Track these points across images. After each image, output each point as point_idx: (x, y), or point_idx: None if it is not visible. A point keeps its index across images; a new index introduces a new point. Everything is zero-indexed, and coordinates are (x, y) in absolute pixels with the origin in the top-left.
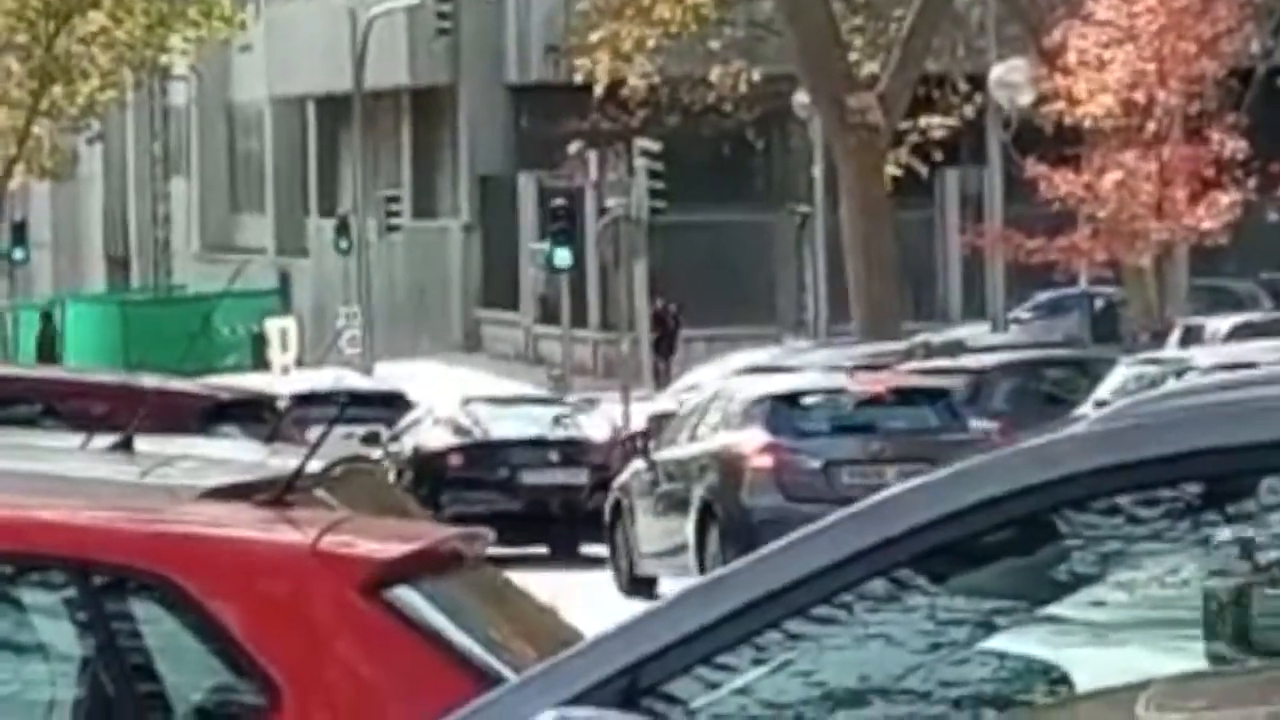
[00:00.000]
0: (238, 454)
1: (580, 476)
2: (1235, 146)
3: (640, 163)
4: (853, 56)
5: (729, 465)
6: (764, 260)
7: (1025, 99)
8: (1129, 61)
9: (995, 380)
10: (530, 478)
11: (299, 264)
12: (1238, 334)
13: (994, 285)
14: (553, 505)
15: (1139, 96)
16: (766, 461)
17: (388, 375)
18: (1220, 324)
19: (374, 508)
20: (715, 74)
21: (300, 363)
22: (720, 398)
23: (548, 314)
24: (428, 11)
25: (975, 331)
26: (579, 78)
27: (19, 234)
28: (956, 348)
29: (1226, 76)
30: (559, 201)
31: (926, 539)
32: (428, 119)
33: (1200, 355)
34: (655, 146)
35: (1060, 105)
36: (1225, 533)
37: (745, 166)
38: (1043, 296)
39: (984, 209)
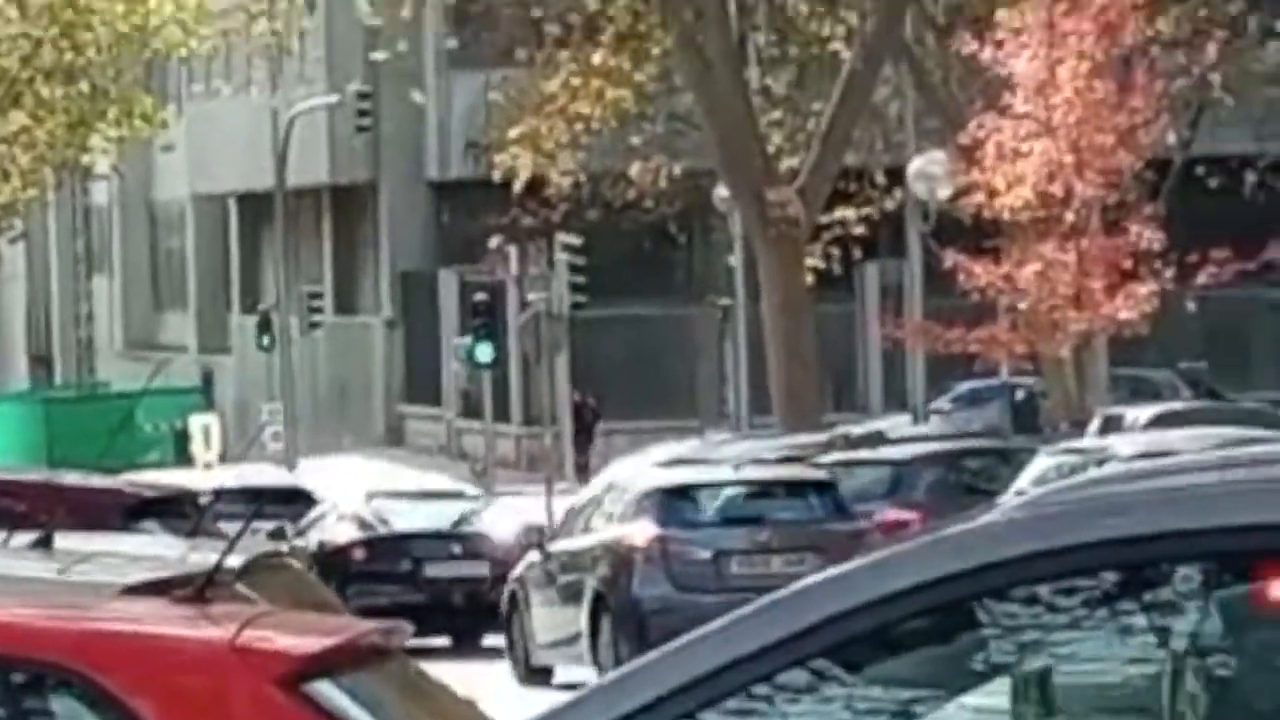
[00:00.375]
0: (158, 550)
1: (482, 569)
2: (1152, 237)
3: (561, 257)
4: (772, 150)
5: (620, 556)
6: (685, 353)
7: (944, 192)
8: (1046, 153)
9: (916, 471)
10: (433, 570)
11: (221, 360)
12: (1157, 423)
13: (914, 377)
14: (455, 597)
15: (1056, 188)
16: (655, 552)
17: (311, 471)
18: (1140, 413)
19: (293, 601)
20: (635, 170)
21: (223, 459)
22: (613, 490)
23: (470, 408)
24: (348, 109)
25: (896, 423)
26: (498, 174)
27: None
28: (877, 439)
29: (1144, 168)
30: (480, 297)
31: (844, 628)
32: (349, 215)
33: (1120, 444)
34: (576, 241)
35: (979, 198)
36: (1141, 620)
37: (666, 260)
38: (963, 387)
39: (904, 301)
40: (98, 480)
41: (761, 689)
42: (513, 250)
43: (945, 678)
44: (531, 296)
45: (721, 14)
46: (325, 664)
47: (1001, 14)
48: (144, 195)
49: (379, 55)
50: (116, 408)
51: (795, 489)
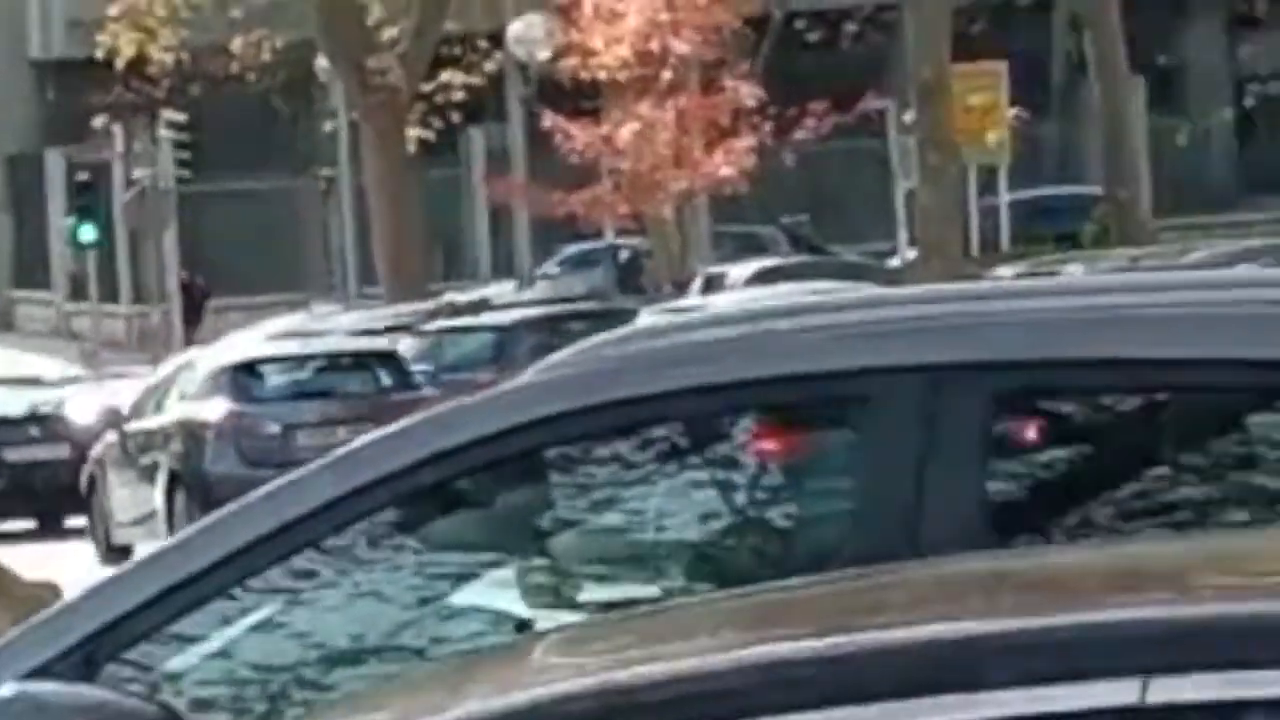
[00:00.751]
0: None
1: (62, 451)
2: (750, 93)
3: (165, 134)
4: (374, 21)
5: (192, 434)
6: (291, 226)
7: (543, 54)
8: (643, 12)
9: (519, 336)
10: (12, 455)
11: None
12: (758, 279)
13: (520, 242)
14: (35, 481)
15: (654, 47)
16: (226, 428)
17: None
18: (741, 270)
19: None
20: (237, 44)
21: None
22: (187, 368)
23: (79, 290)
24: None
25: (502, 289)
26: (99, 53)
27: None
28: (482, 306)
29: (743, 25)
30: (82, 177)
31: (396, 487)
32: None
33: (720, 301)
34: (181, 118)
35: (576, 59)
36: (693, 473)
37: (272, 133)
38: (570, 250)
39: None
40: None
41: (318, 551)
42: (118, 129)
43: (500, 537)
44: (137, 174)
45: None
46: None
47: None
48: None
49: None
50: None
51: (360, 361)
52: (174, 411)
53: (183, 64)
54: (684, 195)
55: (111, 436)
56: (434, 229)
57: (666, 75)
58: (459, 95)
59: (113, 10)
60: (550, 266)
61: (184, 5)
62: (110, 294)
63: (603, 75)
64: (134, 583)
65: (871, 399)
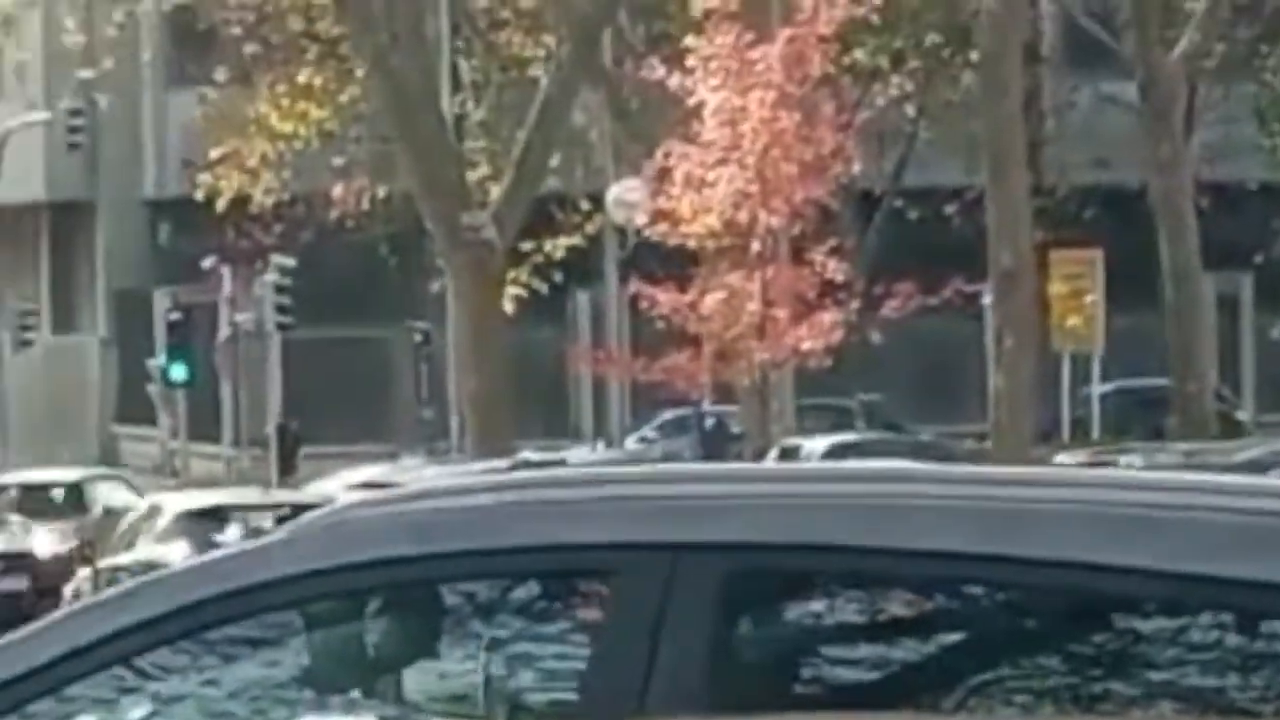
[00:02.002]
0: None
1: (22, 583)
2: (837, 268)
3: (269, 278)
4: (477, 177)
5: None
6: (385, 377)
7: (640, 218)
8: (733, 182)
9: None
10: None
11: None
12: (833, 454)
13: (618, 403)
14: None
15: (742, 217)
16: None
17: None
18: (817, 444)
19: None
20: (337, 191)
21: None
22: (155, 511)
23: (179, 428)
24: (63, 125)
25: (581, 451)
26: (200, 194)
27: None
28: (558, 465)
29: (843, 198)
30: (174, 316)
31: (166, 627)
32: (66, 233)
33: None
34: (289, 262)
35: (668, 226)
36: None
37: (376, 282)
38: (667, 415)
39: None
40: None
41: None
42: (226, 270)
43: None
44: (239, 317)
45: (417, 37)
46: None
47: (692, 41)
48: None
49: (87, 72)
50: None
51: (307, 511)
52: (139, 551)
53: (292, 207)
54: (767, 366)
55: (85, 571)
56: (536, 388)
57: (755, 246)
58: (560, 255)
59: (214, 153)
60: (648, 430)
61: (287, 149)
62: (212, 434)
63: (691, 243)
64: None
65: (609, 573)
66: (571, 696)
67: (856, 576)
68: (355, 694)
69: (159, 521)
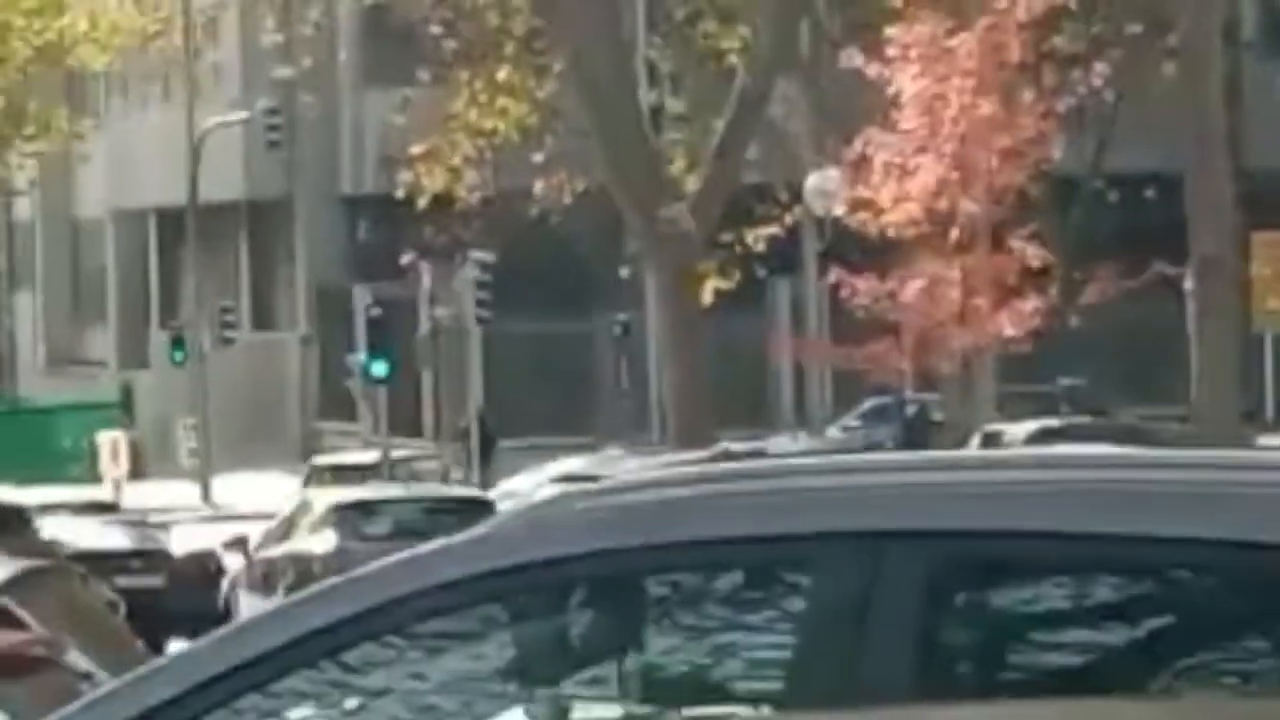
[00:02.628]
0: None
1: (157, 581)
2: (1036, 254)
3: (468, 273)
4: (676, 170)
5: (304, 565)
6: (586, 369)
7: (839, 208)
8: (932, 170)
9: None
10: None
11: (142, 376)
12: (1036, 439)
13: (819, 392)
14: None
15: (942, 205)
16: (333, 562)
17: (226, 487)
18: (1020, 429)
19: (62, 609)
20: (538, 186)
21: (135, 475)
22: (305, 505)
23: (379, 424)
24: (261, 124)
25: (780, 440)
26: (401, 191)
27: None
28: (758, 455)
29: (1042, 185)
30: (375, 312)
31: (372, 622)
32: (265, 231)
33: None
34: (488, 257)
35: (867, 215)
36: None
37: (576, 275)
38: (870, 404)
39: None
40: None
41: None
42: (425, 266)
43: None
44: (439, 312)
45: (612, 31)
46: None
47: (891, 30)
48: (65, 210)
49: (284, 71)
50: (36, 423)
51: (458, 505)
52: (292, 543)
53: (491, 204)
54: (968, 353)
55: (241, 563)
56: (737, 378)
57: (954, 234)
58: (759, 247)
59: (415, 150)
60: (851, 419)
61: (488, 146)
62: (413, 429)
63: (891, 232)
64: (159, 681)
65: (815, 562)
66: (778, 686)
67: (1063, 562)
68: (560, 687)
69: (310, 515)
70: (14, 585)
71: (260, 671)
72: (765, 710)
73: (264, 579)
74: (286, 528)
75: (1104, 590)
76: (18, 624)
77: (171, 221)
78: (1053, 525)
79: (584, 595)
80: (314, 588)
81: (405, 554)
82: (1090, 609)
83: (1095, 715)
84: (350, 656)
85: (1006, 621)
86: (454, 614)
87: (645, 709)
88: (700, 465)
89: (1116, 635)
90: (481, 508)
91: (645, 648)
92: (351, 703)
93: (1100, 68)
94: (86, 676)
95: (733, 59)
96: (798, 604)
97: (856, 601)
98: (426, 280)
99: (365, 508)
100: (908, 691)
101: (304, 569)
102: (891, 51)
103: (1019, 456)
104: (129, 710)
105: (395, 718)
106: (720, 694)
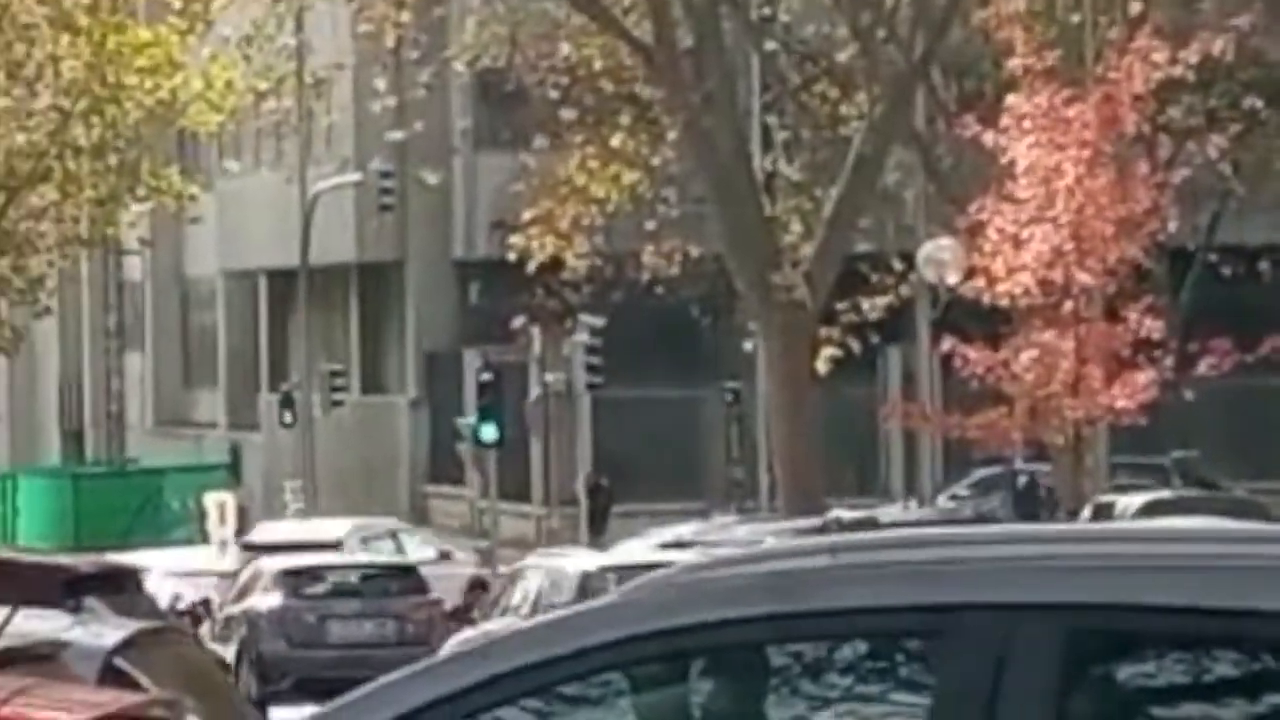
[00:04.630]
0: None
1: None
2: (1152, 326)
3: (577, 338)
4: (791, 237)
5: (254, 620)
6: (696, 436)
7: (952, 277)
8: (1047, 240)
9: None
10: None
11: (250, 438)
12: (1147, 511)
13: (924, 462)
14: None
15: (1057, 275)
16: (276, 618)
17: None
18: (1131, 501)
19: (178, 672)
20: (648, 253)
21: (241, 535)
22: (258, 569)
23: (488, 488)
24: (374, 188)
25: (891, 509)
26: (512, 256)
27: None
28: (869, 523)
29: (1157, 256)
30: (485, 377)
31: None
32: (375, 294)
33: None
34: (598, 322)
35: (981, 284)
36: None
37: (687, 342)
38: (981, 473)
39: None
40: (35, 557)
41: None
42: (536, 331)
43: None
44: (549, 377)
45: (728, 98)
46: None
47: (1007, 99)
48: (176, 271)
49: (396, 134)
50: (144, 484)
51: (388, 571)
52: (247, 601)
53: (602, 269)
54: (1081, 424)
55: (209, 620)
56: (848, 446)
57: (1069, 304)
58: (873, 315)
59: (527, 215)
60: (960, 488)
61: (599, 212)
62: (522, 493)
63: (1005, 301)
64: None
65: (947, 634)
66: None
67: (1191, 637)
68: None
69: (261, 577)
70: (128, 646)
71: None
72: None
73: (223, 629)
74: (243, 588)
75: (1230, 665)
76: (133, 685)
77: (282, 283)
78: (1183, 600)
79: (720, 661)
80: (443, 654)
81: (539, 620)
82: (1216, 684)
83: None
84: (492, 717)
85: (1135, 696)
86: (586, 680)
87: None
88: (832, 536)
89: (1237, 710)
90: (406, 574)
91: (777, 717)
92: None
93: (1216, 140)
94: None
95: (848, 127)
96: (930, 675)
97: (989, 673)
98: (537, 345)
99: (305, 572)
100: None
101: (253, 624)
102: (1006, 121)
103: (1149, 531)
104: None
105: None
106: None
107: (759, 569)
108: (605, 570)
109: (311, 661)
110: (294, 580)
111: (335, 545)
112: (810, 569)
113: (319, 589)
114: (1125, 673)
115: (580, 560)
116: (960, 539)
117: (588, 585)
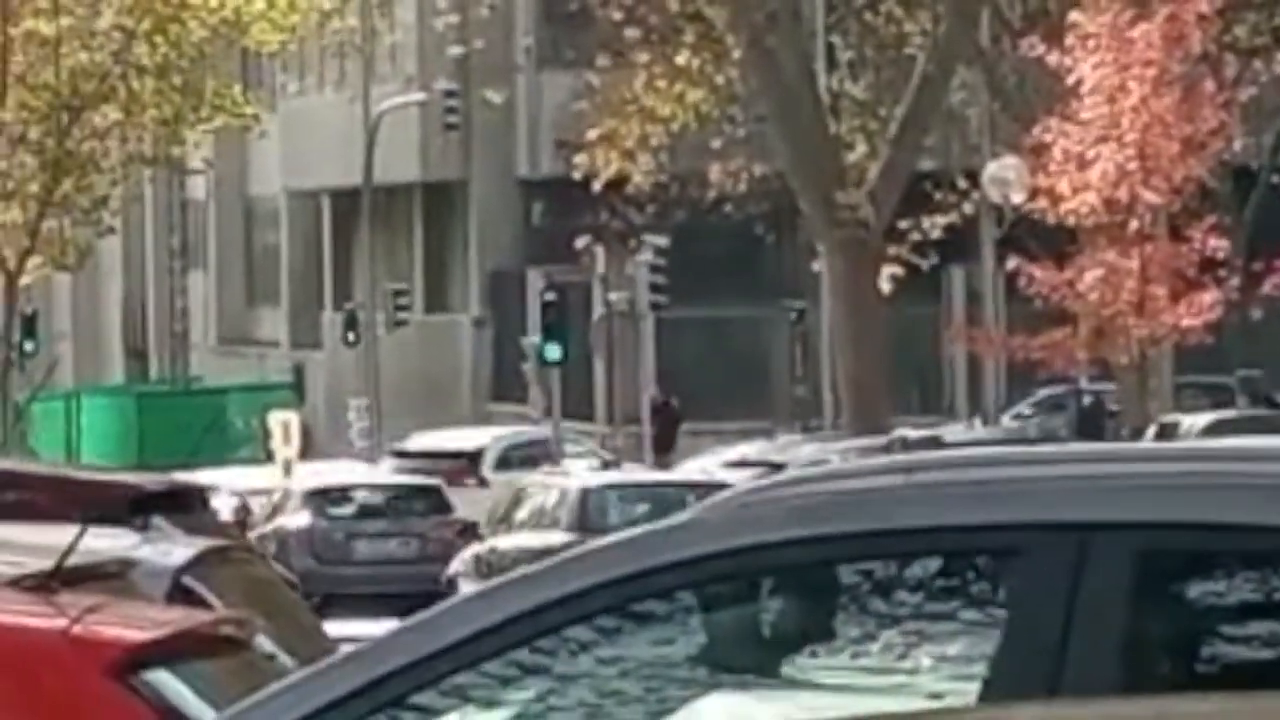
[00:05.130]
0: (58, 539)
1: None
2: (1217, 245)
3: (642, 258)
4: (854, 157)
5: (283, 538)
6: (762, 355)
7: (1017, 197)
8: (1112, 160)
9: None
10: None
11: (314, 356)
12: (1211, 430)
13: (993, 381)
14: None
15: (1122, 195)
16: (305, 536)
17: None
18: (1196, 421)
19: (243, 592)
20: (714, 172)
21: (306, 455)
22: (289, 490)
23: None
24: (438, 106)
25: (955, 428)
26: (577, 175)
27: (29, 327)
28: (933, 443)
29: (1222, 175)
30: (549, 296)
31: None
32: (439, 213)
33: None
34: (662, 242)
35: (1046, 203)
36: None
37: (752, 261)
38: (1043, 393)
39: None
40: (106, 474)
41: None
42: (600, 250)
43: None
44: (613, 296)
45: (793, 18)
46: (163, 653)
47: (1072, 18)
48: (240, 190)
49: (458, 51)
50: (208, 404)
51: (412, 490)
52: (277, 521)
53: (667, 189)
54: (1146, 344)
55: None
56: (911, 365)
57: (1134, 223)
58: (936, 234)
59: (592, 134)
60: (1024, 407)
61: (664, 131)
62: (586, 413)
63: (1071, 221)
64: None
65: (1020, 553)
66: (981, 677)
67: (1263, 556)
68: (759, 674)
69: (291, 497)
70: (197, 564)
71: (465, 654)
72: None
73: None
74: (275, 507)
75: None
76: (201, 603)
77: (346, 202)
78: (1255, 519)
79: (787, 582)
80: (517, 572)
81: (613, 538)
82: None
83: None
84: (552, 641)
85: (1207, 615)
86: (661, 598)
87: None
88: (903, 455)
89: None
90: (431, 494)
91: (844, 638)
92: (552, 686)
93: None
94: (270, 658)
95: (913, 46)
96: (1003, 594)
97: (1063, 592)
98: (601, 264)
99: (331, 492)
100: (1107, 685)
101: (282, 542)
102: (1072, 40)
103: (1222, 450)
104: (335, 692)
105: (593, 702)
106: (921, 686)
107: (832, 487)
108: (606, 488)
109: (339, 578)
110: (320, 499)
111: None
112: (883, 487)
113: (346, 509)
114: (1197, 592)
115: (583, 478)
116: (1034, 458)
117: (588, 502)
